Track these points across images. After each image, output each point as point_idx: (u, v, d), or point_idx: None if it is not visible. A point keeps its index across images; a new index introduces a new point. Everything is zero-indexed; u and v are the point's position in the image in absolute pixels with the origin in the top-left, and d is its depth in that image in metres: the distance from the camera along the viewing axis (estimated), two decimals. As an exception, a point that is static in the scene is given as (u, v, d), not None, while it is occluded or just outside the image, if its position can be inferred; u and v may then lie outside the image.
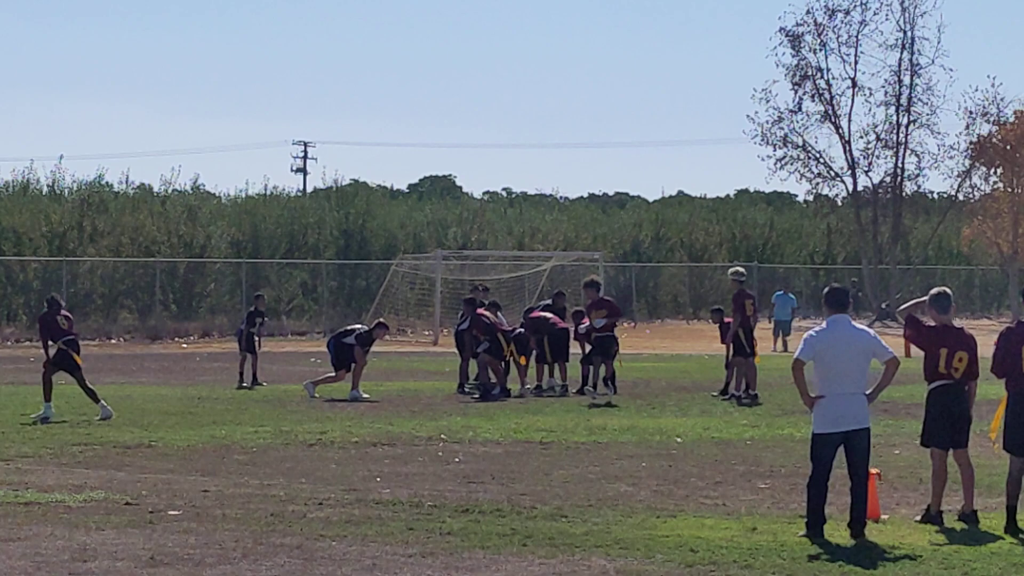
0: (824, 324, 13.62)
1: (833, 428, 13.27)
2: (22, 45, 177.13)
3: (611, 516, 14.40)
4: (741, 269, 30.16)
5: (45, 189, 62.39)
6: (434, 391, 30.06)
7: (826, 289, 13.90)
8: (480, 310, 30.43)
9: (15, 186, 62.21)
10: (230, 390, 30.49)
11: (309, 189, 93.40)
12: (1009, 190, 76.79)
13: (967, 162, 74.03)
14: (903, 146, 72.31)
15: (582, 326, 29.90)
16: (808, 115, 71.59)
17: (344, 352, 29.23)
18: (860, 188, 73.10)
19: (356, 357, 28.91)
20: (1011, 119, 74.48)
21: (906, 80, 71.78)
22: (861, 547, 12.79)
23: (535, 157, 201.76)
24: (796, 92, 71.54)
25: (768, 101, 72.84)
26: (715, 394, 28.62)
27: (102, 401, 24.13)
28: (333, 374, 29.34)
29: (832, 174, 72.71)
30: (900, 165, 72.54)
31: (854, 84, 71.48)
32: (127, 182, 65.78)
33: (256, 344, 32.37)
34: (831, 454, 13.32)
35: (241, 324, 33.29)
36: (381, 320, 31.48)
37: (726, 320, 29.60)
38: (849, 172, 72.52)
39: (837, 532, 13.23)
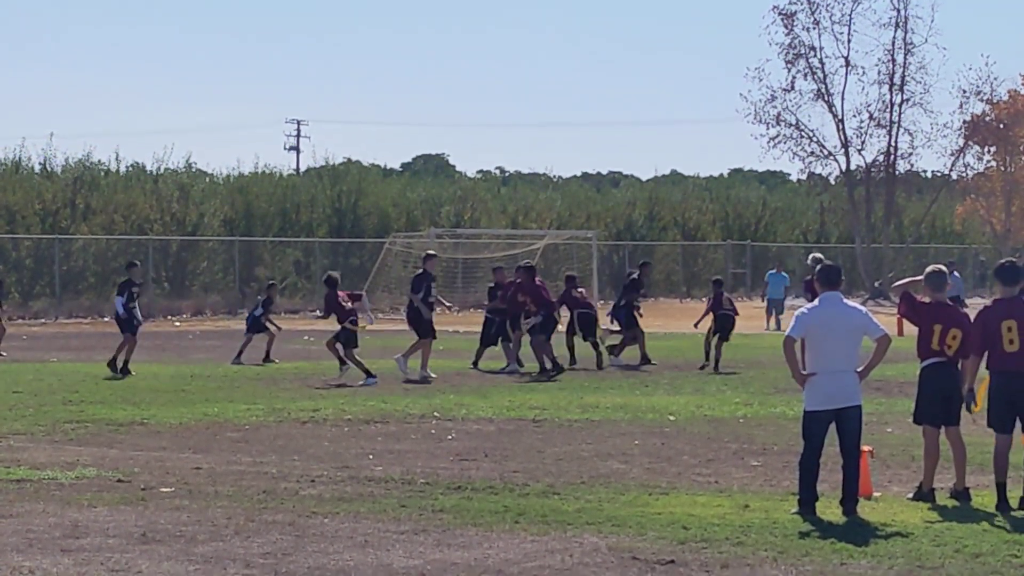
0: (816, 301, 13.61)
1: (824, 405, 13.27)
2: (10, 22, 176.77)
3: (603, 494, 14.40)
4: (820, 255, 30.28)
5: (37, 167, 62.24)
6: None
7: (819, 267, 13.89)
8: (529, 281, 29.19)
9: (7, 164, 62.04)
10: (224, 367, 30.46)
11: (302, 168, 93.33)
12: (1002, 169, 76.99)
13: (960, 141, 74.12)
14: (896, 125, 72.37)
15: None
16: (801, 94, 71.70)
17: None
18: (853, 167, 73.18)
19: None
20: (1004, 98, 74.58)
21: (899, 59, 71.86)
22: (853, 524, 12.78)
23: (528, 136, 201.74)
24: (789, 71, 71.62)
25: (761, 80, 73.24)
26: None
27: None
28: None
29: (825, 153, 72.78)
30: (893, 144, 72.61)
31: (847, 63, 71.52)
32: (117, 160, 65.67)
33: (271, 324, 33.24)
34: (822, 431, 13.32)
35: (255, 310, 33.70)
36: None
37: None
38: (842, 151, 72.59)
39: (829, 509, 13.22)
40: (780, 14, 71.06)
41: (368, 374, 26.80)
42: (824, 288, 13.61)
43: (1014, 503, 13.64)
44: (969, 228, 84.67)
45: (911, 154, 73.49)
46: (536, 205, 74.55)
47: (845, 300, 13.65)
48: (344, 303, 27.91)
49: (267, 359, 32.00)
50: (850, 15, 71.05)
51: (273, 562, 11.26)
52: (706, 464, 16.67)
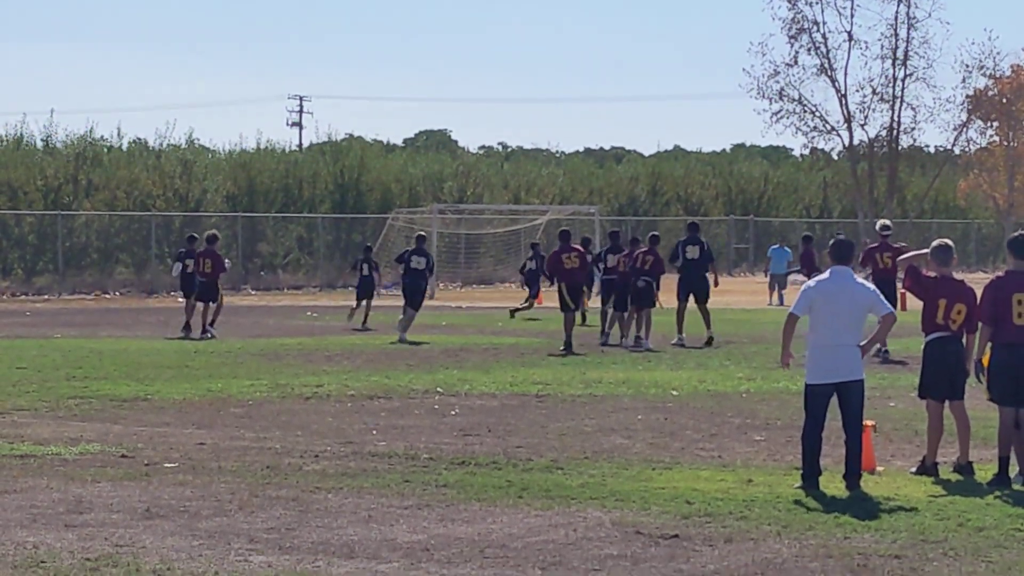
0: (826, 273, 13.59)
1: (825, 379, 13.27)
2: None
3: (607, 468, 14.41)
4: (887, 222, 30.13)
5: (39, 143, 62.19)
6: (431, 344, 30.01)
7: (832, 240, 13.88)
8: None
9: (9, 140, 61.99)
10: (227, 343, 30.40)
11: (305, 144, 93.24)
12: (1005, 143, 76.80)
13: (963, 115, 73.91)
14: (899, 100, 72.06)
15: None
16: (804, 69, 71.30)
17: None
18: (856, 142, 72.92)
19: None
20: (1007, 73, 74.37)
21: (902, 33, 71.45)
22: (856, 498, 12.80)
23: (530, 111, 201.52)
24: (792, 46, 71.24)
25: (764, 55, 72.72)
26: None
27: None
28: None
29: (828, 128, 72.48)
30: (896, 119, 72.35)
31: (850, 37, 71.19)
32: (120, 136, 65.54)
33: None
34: (824, 405, 13.32)
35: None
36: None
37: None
38: (845, 126, 72.32)
39: (832, 484, 13.24)
40: (783, -12, 70.77)
41: None
42: (835, 262, 13.60)
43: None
44: (972, 203, 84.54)
45: (914, 129, 73.21)
46: (539, 180, 74.49)
47: (856, 277, 13.59)
48: None
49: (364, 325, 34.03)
50: (854, -11, 70.74)
51: (277, 537, 11.28)
52: (709, 439, 16.68)
